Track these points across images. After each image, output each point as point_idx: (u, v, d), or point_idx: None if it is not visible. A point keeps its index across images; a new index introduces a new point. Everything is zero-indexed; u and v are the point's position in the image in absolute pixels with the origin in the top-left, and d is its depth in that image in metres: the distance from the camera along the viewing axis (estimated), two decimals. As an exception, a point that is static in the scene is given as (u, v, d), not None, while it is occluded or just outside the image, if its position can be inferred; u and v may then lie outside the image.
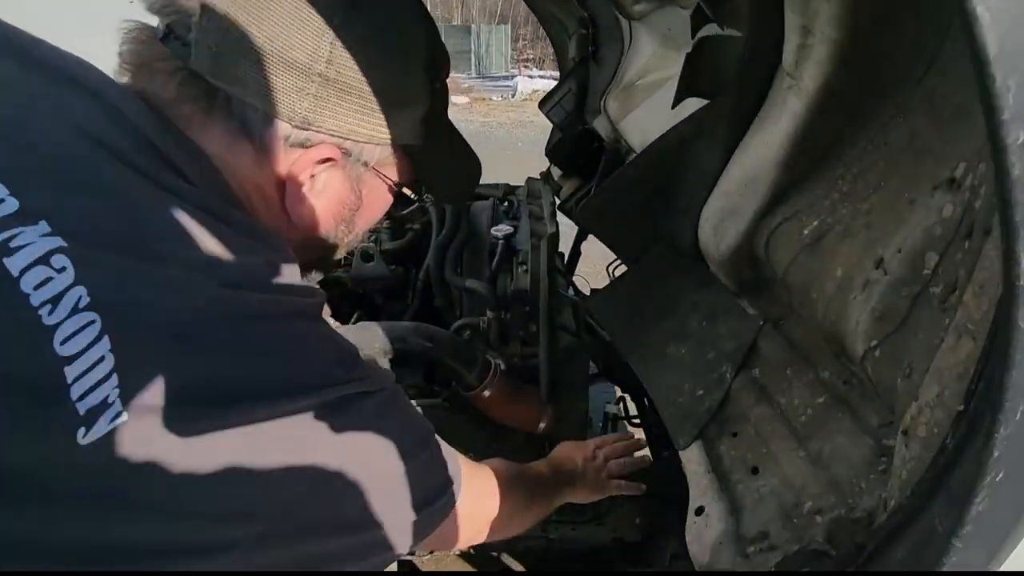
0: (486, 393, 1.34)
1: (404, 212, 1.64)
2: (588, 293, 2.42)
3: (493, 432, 1.59)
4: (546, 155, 2.63)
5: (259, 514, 0.47)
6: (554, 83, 2.51)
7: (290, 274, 0.56)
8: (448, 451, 0.70)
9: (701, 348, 1.00)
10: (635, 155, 0.95)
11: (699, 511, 0.84)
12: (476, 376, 1.33)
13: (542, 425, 1.42)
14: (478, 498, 0.79)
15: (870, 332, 0.66)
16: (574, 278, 2.34)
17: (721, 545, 0.77)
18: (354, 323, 1.45)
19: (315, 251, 0.67)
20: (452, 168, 0.76)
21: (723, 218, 0.88)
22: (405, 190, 0.68)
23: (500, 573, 1.46)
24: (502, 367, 1.39)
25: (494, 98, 15.91)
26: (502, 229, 1.51)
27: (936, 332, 0.59)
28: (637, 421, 1.89)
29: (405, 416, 0.63)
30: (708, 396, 0.95)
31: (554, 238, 1.45)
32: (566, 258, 2.49)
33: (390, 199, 0.70)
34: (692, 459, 0.91)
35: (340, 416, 0.52)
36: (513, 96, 16.05)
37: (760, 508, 0.78)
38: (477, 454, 1.46)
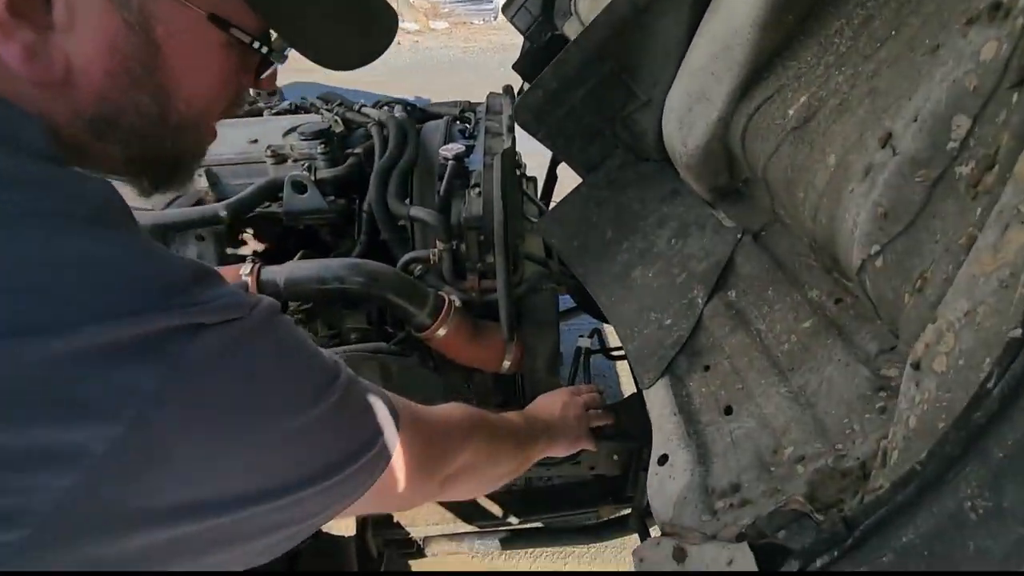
0: (441, 332, 1.20)
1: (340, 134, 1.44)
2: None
3: (459, 375, 1.48)
4: (513, 69, 2.37)
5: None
6: (538, 2, 2.22)
7: (43, 168, 0.40)
8: (375, 397, 0.56)
9: (669, 270, 0.85)
10: (579, 35, 0.76)
11: (662, 460, 0.72)
12: (428, 314, 1.19)
13: (506, 364, 1.29)
14: (428, 450, 0.65)
15: (871, 234, 0.50)
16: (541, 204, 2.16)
17: (686, 500, 0.65)
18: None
19: (122, 142, 0.48)
20: (338, 10, 0.52)
21: (691, 105, 0.70)
22: (237, 33, 0.47)
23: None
24: (457, 304, 1.25)
25: (476, 22, 14.95)
26: (452, 148, 1.32)
27: (962, 227, 0.43)
28: (618, 354, 1.78)
29: (283, 355, 0.47)
30: (676, 325, 0.80)
31: (510, 154, 1.27)
32: (540, 183, 2.29)
33: (226, 55, 0.49)
34: (657, 400, 0.78)
35: (152, 358, 0.38)
36: (495, 18, 15.08)
37: (732, 455, 0.65)
38: (438, 403, 1.36)
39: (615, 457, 1.48)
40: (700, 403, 0.74)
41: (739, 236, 0.78)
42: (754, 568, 0.51)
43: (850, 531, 0.37)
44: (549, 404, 1.07)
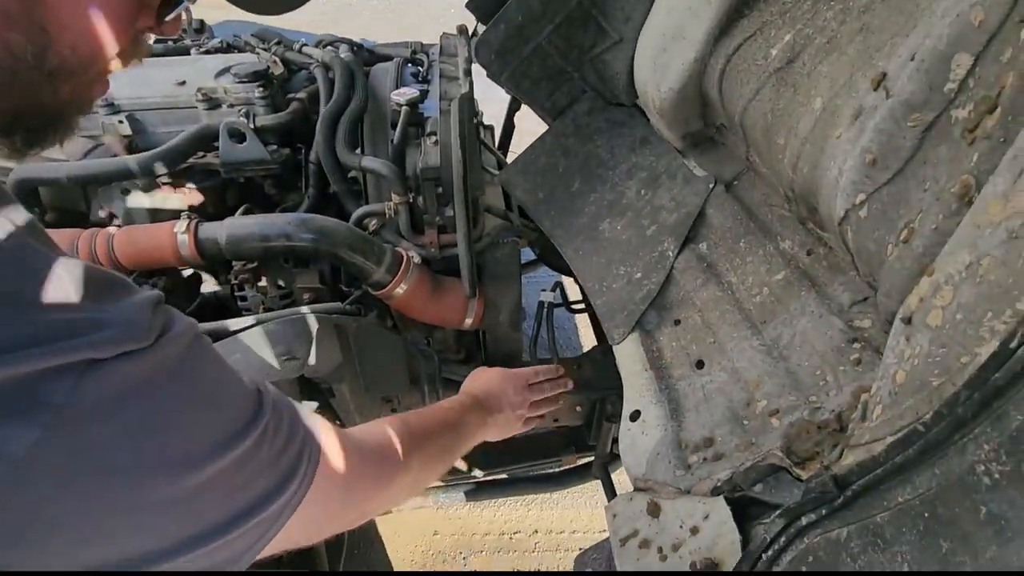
0: (400, 290, 1.15)
1: (273, 73, 1.31)
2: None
3: (419, 333, 1.44)
4: (467, 8, 2.23)
5: None
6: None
7: None
8: (298, 430, 0.48)
9: (639, 222, 0.82)
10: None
11: (634, 416, 0.70)
12: (386, 271, 1.13)
13: (468, 321, 1.26)
14: (359, 480, 0.59)
15: (857, 183, 0.48)
16: (511, 156, 2.09)
17: (659, 455, 0.64)
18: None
19: None
20: None
21: (665, 45, 0.66)
22: None
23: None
24: (416, 260, 1.19)
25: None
26: (405, 93, 1.23)
27: (955, 175, 0.41)
28: (580, 307, 1.78)
29: (193, 399, 0.40)
30: (647, 279, 0.78)
31: (468, 99, 1.19)
32: (498, 133, 2.20)
33: None
34: (628, 355, 0.76)
35: (22, 413, 0.30)
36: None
37: (704, 408, 0.65)
38: (399, 364, 1.32)
39: (578, 408, 1.49)
40: (671, 358, 0.73)
41: (711, 186, 0.76)
42: (732, 524, 0.51)
43: (840, 490, 0.37)
44: (494, 394, 0.99)
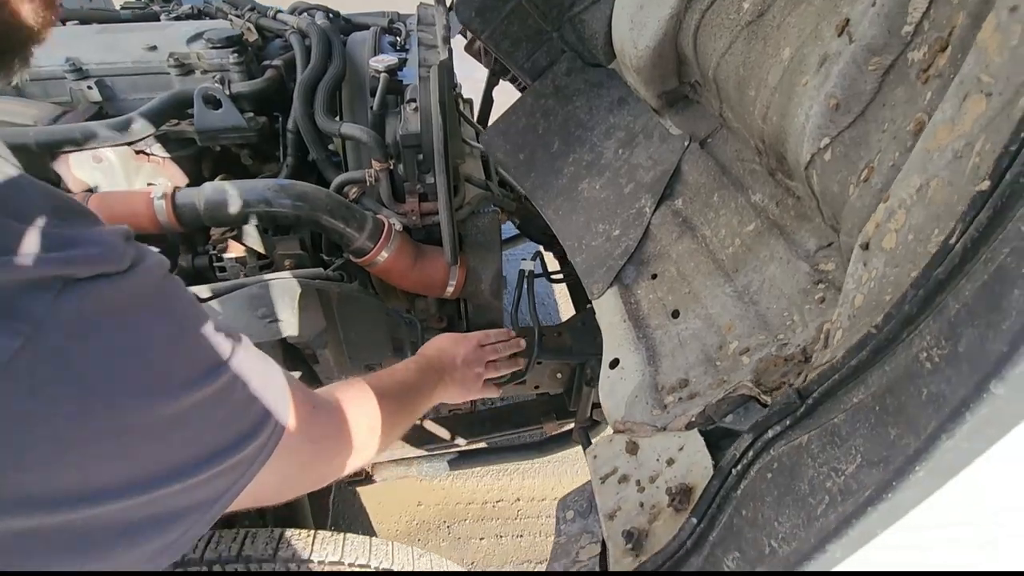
0: (382, 257, 1.16)
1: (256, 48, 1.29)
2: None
3: (400, 301, 1.45)
4: (444, -21, 2.20)
5: None
6: None
7: None
8: (269, 380, 0.48)
9: (617, 181, 0.84)
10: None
11: (613, 364, 0.73)
12: (368, 238, 1.13)
13: (450, 289, 1.27)
14: (322, 439, 0.60)
15: (822, 127, 0.51)
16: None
17: (636, 398, 0.67)
18: (212, 188, 1.17)
19: None
20: None
21: (642, 3, 0.67)
22: None
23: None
24: (397, 227, 1.20)
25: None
26: (383, 60, 1.22)
27: (911, 115, 0.44)
28: (558, 277, 1.80)
29: (169, 327, 0.40)
30: (625, 236, 0.81)
31: (447, 65, 1.19)
32: (476, 106, 2.20)
33: None
34: (607, 308, 0.79)
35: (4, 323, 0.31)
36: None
37: (680, 353, 0.68)
38: (381, 331, 1.33)
39: (558, 375, 1.53)
40: (648, 309, 0.76)
41: (686, 144, 0.78)
42: (704, 451, 0.54)
43: (802, 400, 0.40)
44: (448, 352, 1.00)
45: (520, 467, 2.07)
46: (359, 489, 1.84)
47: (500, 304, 1.43)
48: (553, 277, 1.54)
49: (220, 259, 1.23)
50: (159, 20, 1.50)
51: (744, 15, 0.59)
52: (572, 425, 1.67)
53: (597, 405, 1.50)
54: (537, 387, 1.52)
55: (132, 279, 0.37)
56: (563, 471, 2.11)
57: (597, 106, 0.85)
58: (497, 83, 2.40)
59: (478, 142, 1.38)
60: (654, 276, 0.79)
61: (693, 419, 0.59)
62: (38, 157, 1.17)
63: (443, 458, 1.70)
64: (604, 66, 0.83)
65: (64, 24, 1.40)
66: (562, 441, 1.71)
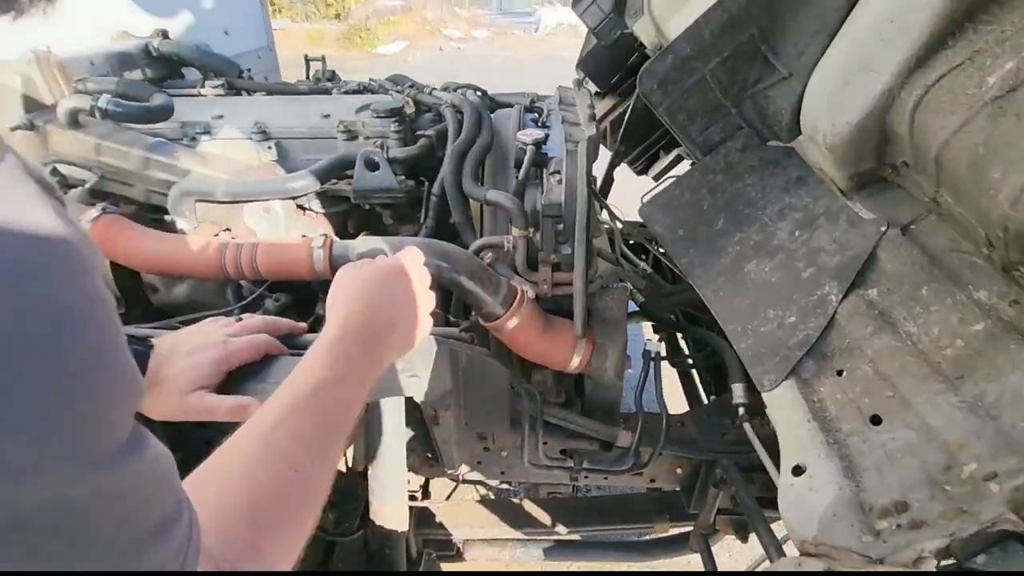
0: (511, 324, 1.14)
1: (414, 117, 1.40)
2: (621, 226, 2.19)
3: (519, 371, 1.42)
4: (577, 67, 2.33)
5: None
6: (580, 16, 2.18)
7: None
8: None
9: (793, 264, 0.77)
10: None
11: (797, 471, 0.63)
12: (500, 303, 1.13)
13: (575, 362, 1.22)
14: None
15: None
16: (607, 204, 2.10)
17: (835, 517, 0.56)
18: (358, 243, 1.24)
19: None
20: None
21: (848, 78, 0.63)
22: None
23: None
24: (530, 295, 1.18)
25: (516, 32, 15.06)
26: (531, 133, 1.26)
27: None
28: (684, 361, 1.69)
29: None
30: (803, 324, 0.72)
31: (594, 141, 1.21)
32: (598, 185, 2.23)
33: None
34: (783, 403, 0.70)
35: None
36: (536, 30, 15.16)
37: (889, 469, 0.57)
38: (502, 400, 1.29)
39: (678, 470, 1.39)
40: (836, 411, 0.66)
41: (883, 229, 0.70)
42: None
43: None
44: (357, 295, 0.67)
45: (620, 567, 1.88)
46: (445, 567, 1.75)
47: (621, 384, 1.36)
48: (686, 361, 1.44)
49: (355, 310, 1.27)
50: (330, 94, 1.68)
51: (989, 90, 0.53)
52: (686, 529, 1.50)
53: (722, 512, 1.34)
54: (652, 481, 1.39)
55: None
56: (664, 581, 1.88)
57: (771, 185, 0.80)
58: (619, 164, 2.45)
59: (641, 206, 1.32)
60: (840, 373, 0.69)
61: (926, 554, 0.48)
62: (220, 204, 1.31)
63: (539, 545, 1.58)
64: (781, 146, 0.79)
65: (252, 95, 1.60)
66: (672, 546, 1.53)
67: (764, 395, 0.72)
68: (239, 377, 0.72)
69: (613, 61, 2.27)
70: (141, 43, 1.55)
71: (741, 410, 1.23)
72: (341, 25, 12.63)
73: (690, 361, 1.52)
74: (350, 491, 1.35)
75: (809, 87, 0.70)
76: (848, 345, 0.69)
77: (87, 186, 1.24)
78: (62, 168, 1.31)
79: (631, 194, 2.35)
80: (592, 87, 2.44)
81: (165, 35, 1.59)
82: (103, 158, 1.29)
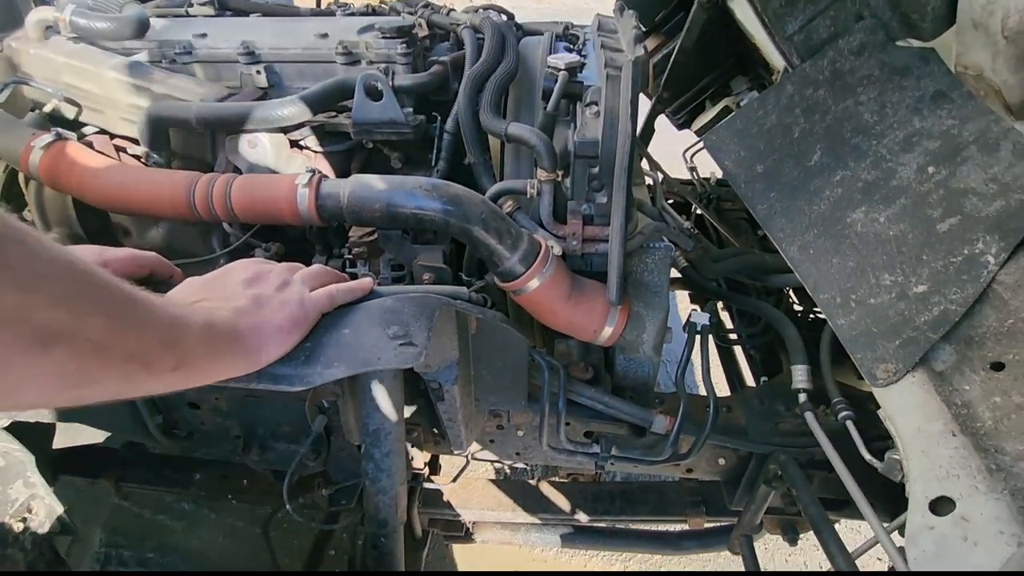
0: (533, 284, 0.95)
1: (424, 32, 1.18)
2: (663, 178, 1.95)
3: (538, 340, 1.24)
4: (617, 1, 2.05)
5: None
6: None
7: None
8: None
9: (923, 212, 0.56)
10: None
11: (942, 507, 0.44)
12: (520, 260, 0.94)
13: (607, 332, 1.03)
14: None
15: None
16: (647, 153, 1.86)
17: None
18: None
19: None
20: None
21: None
22: None
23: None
24: (556, 251, 0.99)
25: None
26: (563, 58, 1.04)
27: None
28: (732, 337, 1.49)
29: None
30: (940, 295, 0.52)
31: (642, 65, 0.98)
32: (638, 131, 1.99)
33: None
34: (909, 405, 0.50)
35: None
36: (571, -20, 14.37)
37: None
38: (520, 373, 1.11)
39: (720, 460, 1.21)
40: (995, 421, 0.46)
41: (1075, 161, 0.48)
42: None
43: None
44: (217, 286, 0.66)
45: (641, 558, 1.73)
46: (455, 546, 1.62)
47: (659, 360, 1.16)
48: (731, 337, 1.24)
49: (354, 265, 1.10)
50: (334, 16, 1.47)
51: None
52: (726, 524, 1.32)
53: (772, 511, 1.16)
54: (690, 470, 1.21)
55: None
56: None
57: (896, 103, 0.58)
58: (661, 112, 2.19)
59: (708, 133, 1.08)
60: (998, 366, 0.49)
61: None
62: (197, 136, 1.14)
63: (556, 530, 1.43)
64: (922, 41, 0.56)
65: (248, 15, 1.41)
66: (708, 541, 1.36)
67: (878, 392, 0.52)
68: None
69: (662, -7, 2.00)
70: (122, -47, 1.35)
71: (803, 396, 1.04)
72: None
73: (735, 337, 1.31)
74: (350, 467, 1.21)
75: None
76: (1012, 327, 0.49)
77: (45, 109, 1.07)
78: (26, 90, 1.15)
79: (668, 153, 2.11)
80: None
81: (150, -55, 1.40)
82: (69, 79, 1.12)
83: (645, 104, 2.08)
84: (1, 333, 0.37)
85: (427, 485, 1.40)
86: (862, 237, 0.60)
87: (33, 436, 1.12)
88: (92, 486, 1.51)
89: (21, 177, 1.12)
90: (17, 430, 1.07)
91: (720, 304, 1.57)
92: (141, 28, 1.10)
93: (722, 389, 1.68)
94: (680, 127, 2.32)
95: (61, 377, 0.42)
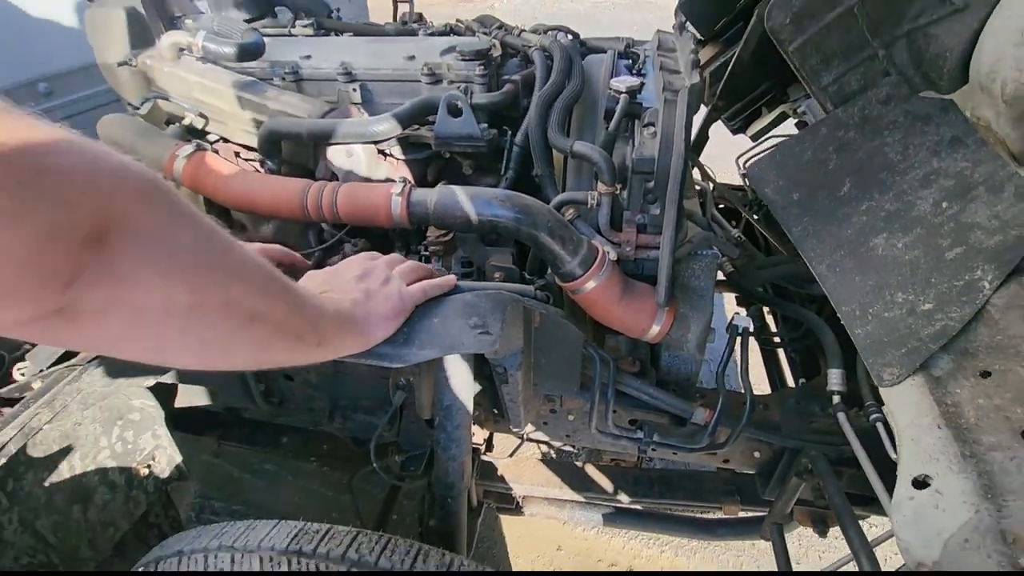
0: (589, 285, 1.08)
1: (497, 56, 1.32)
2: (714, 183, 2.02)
3: (590, 334, 1.36)
4: (677, 9, 2.12)
5: None
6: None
7: None
8: None
9: (935, 241, 0.65)
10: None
11: (921, 483, 0.55)
12: (579, 264, 1.06)
13: (654, 330, 1.14)
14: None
15: None
16: (700, 162, 1.94)
17: (967, 543, 0.48)
18: (437, 192, 1.21)
19: None
20: None
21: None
22: None
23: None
24: (612, 256, 1.11)
25: (609, -25, 14.15)
26: (625, 81, 1.16)
27: None
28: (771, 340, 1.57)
29: None
30: (942, 313, 0.62)
31: (697, 92, 1.09)
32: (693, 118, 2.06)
33: None
34: (907, 402, 0.60)
35: None
36: (631, -27, 14.17)
37: (1046, 497, 0.47)
38: (575, 363, 1.25)
39: (755, 454, 1.31)
40: (977, 418, 0.56)
41: (1065, 205, 0.57)
42: None
43: None
44: (336, 279, 0.83)
45: (677, 542, 1.84)
46: (504, 517, 1.78)
47: (701, 359, 1.27)
48: (775, 340, 1.33)
49: (429, 260, 1.26)
50: (417, 35, 1.63)
51: None
52: (759, 514, 1.42)
53: (802, 503, 1.25)
54: (726, 461, 1.32)
55: None
56: (726, 560, 1.83)
57: (917, 145, 0.67)
58: (716, 120, 2.25)
59: (750, 164, 1.19)
60: (986, 374, 0.58)
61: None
62: (303, 147, 1.32)
63: (598, 509, 1.56)
64: (940, 95, 0.66)
65: (341, 35, 1.58)
66: (740, 529, 1.46)
67: (883, 391, 0.63)
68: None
69: (719, 3, 2.05)
70: (237, -20, 1.56)
71: (836, 398, 1.12)
72: (430, -32, 12.42)
73: (777, 340, 1.39)
74: (418, 439, 1.37)
75: (991, 23, 0.56)
76: (1000, 343, 0.58)
77: (184, 123, 1.27)
78: (163, 104, 1.36)
79: (721, 156, 2.17)
80: (693, 32, 2.24)
81: (259, -28, 1.59)
82: (199, 95, 1.32)
83: (700, 111, 2.15)
84: (228, 314, 0.53)
85: (483, 458, 1.55)
86: (882, 259, 0.70)
87: (162, 395, 1.33)
88: (196, 441, 1.74)
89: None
90: (153, 389, 1.28)
91: (765, 308, 1.65)
92: (258, 52, 1.29)
93: (764, 388, 1.76)
94: (735, 132, 2.36)
95: (255, 346, 0.58)
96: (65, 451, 0.99)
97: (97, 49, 1.27)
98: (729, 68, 2.02)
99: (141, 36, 1.41)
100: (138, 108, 1.26)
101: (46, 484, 0.97)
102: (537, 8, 9.84)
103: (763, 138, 2.11)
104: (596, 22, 9.20)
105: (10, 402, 0.94)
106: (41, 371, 1.06)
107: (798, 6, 0.66)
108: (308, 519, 1.92)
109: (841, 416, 1.07)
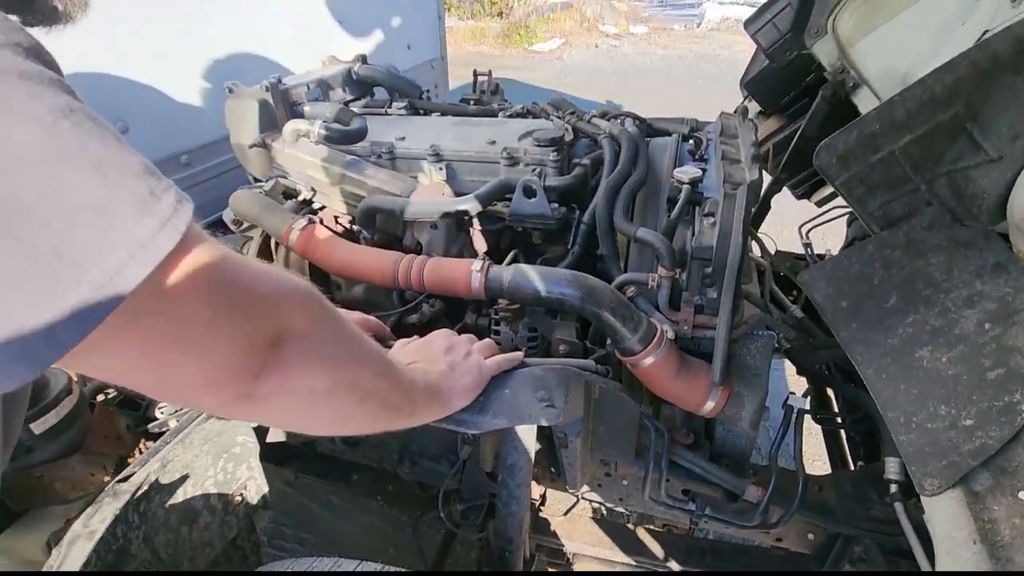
0: (647, 361, 1.16)
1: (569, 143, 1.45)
2: (774, 254, 2.06)
3: (647, 406, 1.43)
4: (742, 87, 2.21)
5: None
6: (749, 9, 2.06)
7: None
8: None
9: (977, 360, 0.71)
10: (926, 75, 0.64)
11: (954, 594, 0.59)
12: (638, 340, 1.15)
13: (709, 406, 1.20)
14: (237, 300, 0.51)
15: None
16: (759, 236, 1.99)
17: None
18: (509, 263, 1.34)
19: None
20: None
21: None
22: None
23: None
24: (669, 335, 1.19)
25: (676, 28, 14.46)
26: (687, 172, 1.26)
27: None
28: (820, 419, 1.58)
29: None
30: (982, 431, 0.67)
31: (755, 187, 1.17)
32: (752, 211, 2.12)
33: None
34: (944, 515, 0.65)
35: None
36: (699, 25, 14.41)
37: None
38: (630, 433, 1.32)
39: (809, 536, 1.32)
40: (1011, 537, 0.61)
41: (1102, 341, 0.62)
42: None
43: None
44: (429, 351, 0.99)
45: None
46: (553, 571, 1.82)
47: (755, 436, 1.31)
48: (823, 418, 1.35)
49: (497, 324, 1.38)
50: (496, 116, 1.80)
51: None
52: (811, 597, 1.40)
53: (856, 588, 1.24)
54: (779, 540, 1.33)
55: None
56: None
57: (961, 268, 0.73)
58: (779, 191, 2.30)
59: (802, 272, 1.28)
60: (1022, 494, 0.63)
61: None
62: (395, 219, 1.49)
63: None
64: (978, 228, 0.72)
65: (430, 115, 1.78)
66: (792, 610, 1.45)
67: (924, 500, 0.68)
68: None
69: (784, 81, 2.13)
70: (344, 68, 1.79)
71: (894, 487, 1.13)
72: (503, 22, 13.13)
73: (839, 420, 1.41)
74: (479, 490, 1.47)
75: (1021, 178, 0.63)
76: (1036, 465, 0.63)
77: (299, 198, 1.47)
78: (282, 180, 1.58)
79: (783, 220, 2.20)
80: (755, 107, 2.32)
81: (364, 60, 1.82)
82: (311, 172, 1.53)
83: (764, 179, 2.20)
84: (349, 394, 0.66)
85: (538, 515, 1.62)
86: (927, 371, 0.75)
87: (260, 429, 1.50)
88: (276, 472, 1.90)
89: (272, 241, 1.54)
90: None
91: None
92: (362, 137, 1.48)
93: (823, 467, 1.74)
94: (799, 198, 2.39)
95: (366, 417, 0.71)
96: (183, 479, 1.15)
97: (233, 132, 1.51)
98: (794, 142, 2.08)
99: (269, 121, 1.64)
100: (262, 183, 1.48)
101: (166, 506, 1.14)
102: (605, 62, 10.15)
103: (826, 207, 2.13)
104: (665, 74, 9.38)
105: (153, 437, 1.11)
106: (176, 411, 1.25)
107: (843, 149, 0.74)
108: (368, 553, 2.02)
109: (899, 507, 1.08)
